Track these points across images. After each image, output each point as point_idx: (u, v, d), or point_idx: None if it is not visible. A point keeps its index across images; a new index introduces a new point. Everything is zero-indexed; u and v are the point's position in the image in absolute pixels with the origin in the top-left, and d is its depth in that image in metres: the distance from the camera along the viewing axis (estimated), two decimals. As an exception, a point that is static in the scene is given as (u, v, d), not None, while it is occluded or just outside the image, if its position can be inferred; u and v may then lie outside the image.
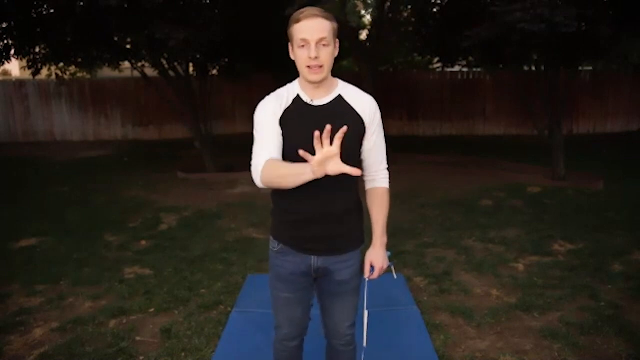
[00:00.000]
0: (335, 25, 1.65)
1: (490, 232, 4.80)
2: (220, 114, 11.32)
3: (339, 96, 1.74)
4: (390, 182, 1.87)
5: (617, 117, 12.07)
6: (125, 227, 5.13)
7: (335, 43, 1.66)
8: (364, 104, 1.74)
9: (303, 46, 1.61)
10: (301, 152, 1.41)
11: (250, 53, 8.19)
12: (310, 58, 1.60)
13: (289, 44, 1.68)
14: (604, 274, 3.76)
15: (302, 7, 1.67)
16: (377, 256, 1.84)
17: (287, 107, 1.71)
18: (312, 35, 1.59)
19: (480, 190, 6.42)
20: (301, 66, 1.65)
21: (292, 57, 1.69)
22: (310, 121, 1.66)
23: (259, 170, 1.62)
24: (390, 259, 1.86)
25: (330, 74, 1.70)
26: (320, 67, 1.62)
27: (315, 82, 1.67)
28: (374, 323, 2.94)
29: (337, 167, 1.40)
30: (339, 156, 1.40)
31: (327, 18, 1.62)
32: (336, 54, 1.68)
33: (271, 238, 1.89)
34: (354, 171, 1.40)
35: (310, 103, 1.71)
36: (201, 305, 3.34)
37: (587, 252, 4.22)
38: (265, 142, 1.68)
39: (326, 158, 1.39)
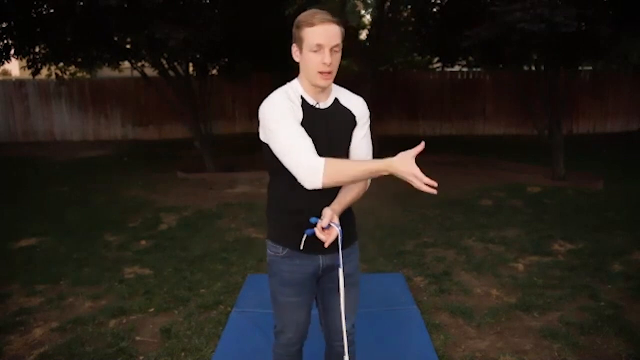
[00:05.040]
0: (343, 30, 1.67)
1: (490, 232, 4.80)
2: (220, 114, 11.30)
3: (336, 99, 1.78)
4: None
5: (617, 117, 12.07)
6: (125, 227, 5.13)
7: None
8: (356, 105, 1.80)
9: (317, 51, 1.60)
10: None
11: (250, 53, 8.18)
12: (324, 64, 1.60)
13: (294, 45, 1.66)
14: (604, 274, 3.76)
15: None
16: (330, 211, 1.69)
17: (301, 107, 1.71)
18: (328, 41, 1.59)
19: (480, 190, 6.42)
20: (312, 70, 1.63)
21: (296, 59, 1.67)
22: (319, 124, 1.69)
23: (319, 170, 1.55)
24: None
25: None
26: (331, 73, 1.64)
27: (323, 87, 1.68)
28: (374, 323, 2.96)
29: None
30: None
31: (338, 24, 1.63)
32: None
33: (271, 243, 1.84)
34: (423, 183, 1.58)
35: (317, 106, 1.73)
36: (201, 305, 3.34)
37: (587, 252, 4.22)
38: (300, 137, 1.61)
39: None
